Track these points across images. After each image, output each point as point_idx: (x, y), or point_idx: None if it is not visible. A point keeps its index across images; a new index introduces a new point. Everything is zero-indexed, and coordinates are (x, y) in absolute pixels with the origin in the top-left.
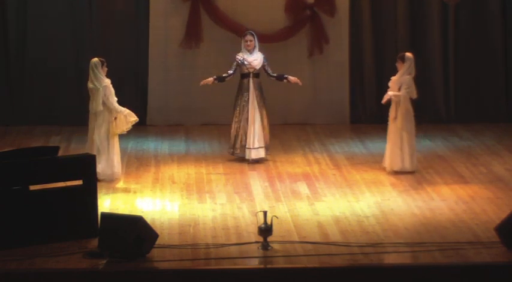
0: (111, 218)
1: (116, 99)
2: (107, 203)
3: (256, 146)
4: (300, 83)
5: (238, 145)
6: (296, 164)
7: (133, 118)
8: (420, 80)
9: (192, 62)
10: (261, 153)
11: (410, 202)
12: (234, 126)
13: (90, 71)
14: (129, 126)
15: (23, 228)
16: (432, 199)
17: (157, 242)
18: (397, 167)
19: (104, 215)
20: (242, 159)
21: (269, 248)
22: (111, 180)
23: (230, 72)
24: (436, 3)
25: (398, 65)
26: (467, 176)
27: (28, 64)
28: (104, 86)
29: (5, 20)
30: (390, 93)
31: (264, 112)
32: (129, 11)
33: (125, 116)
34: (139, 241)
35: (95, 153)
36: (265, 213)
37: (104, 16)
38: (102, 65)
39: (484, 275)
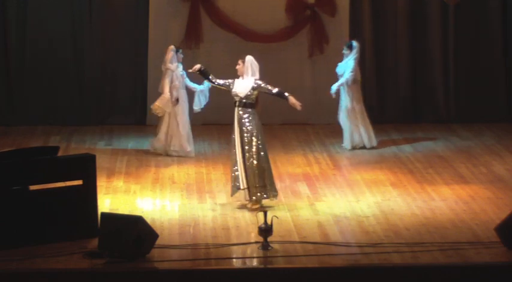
0: (111, 218)
1: (176, 84)
2: (107, 203)
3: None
4: (299, 108)
5: (235, 185)
6: (296, 164)
7: (153, 106)
8: (420, 80)
9: (192, 62)
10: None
11: (410, 202)
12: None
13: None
14: (154, 112)
15: (23, 228)
16: (432, 199)
17: (157, 242)
18: (349, 146)
19: (104, 215)
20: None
21: (269, 248)
22: (177, 154)
23: (218, 81)
24: (436, 3)
25: (346, 52)
26: (467, 176)
27: (28, 64)
28: (166, 69)
29: (5, 19)
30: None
31: (254, 149)
32: (129, 11)
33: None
34: (139, 241)
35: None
36: (265, 213)
37: (104, 16)
38: (177, 52)
39: (484, 275)
